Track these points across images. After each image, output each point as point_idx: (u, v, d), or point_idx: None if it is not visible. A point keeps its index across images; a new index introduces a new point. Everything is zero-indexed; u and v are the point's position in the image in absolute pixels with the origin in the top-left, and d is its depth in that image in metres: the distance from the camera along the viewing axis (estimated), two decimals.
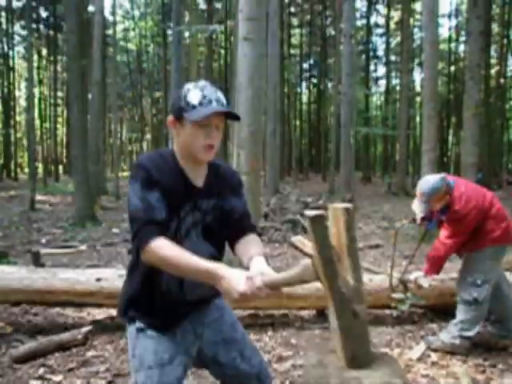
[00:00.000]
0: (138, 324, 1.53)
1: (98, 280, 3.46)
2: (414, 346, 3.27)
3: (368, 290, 3.65)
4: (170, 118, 1.49)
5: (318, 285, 3.65)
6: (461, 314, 3.08)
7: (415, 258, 3.61)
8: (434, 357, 3.09)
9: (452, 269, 4.34)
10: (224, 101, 1.47)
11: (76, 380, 2.79)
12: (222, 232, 1.61)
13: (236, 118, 1.53)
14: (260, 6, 4.82)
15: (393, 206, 12.86)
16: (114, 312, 3.85)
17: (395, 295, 3.54)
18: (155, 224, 1.37)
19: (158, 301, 1.52)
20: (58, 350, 3.14)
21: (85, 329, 3.31)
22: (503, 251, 3.14)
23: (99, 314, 3.87)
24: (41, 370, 2.90)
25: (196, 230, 1.52)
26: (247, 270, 1.40)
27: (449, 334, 3.12)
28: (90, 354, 3.14)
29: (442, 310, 3.74)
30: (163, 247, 1.35)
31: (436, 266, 3.19)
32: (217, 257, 1.57)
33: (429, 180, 3.03)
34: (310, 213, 1.19)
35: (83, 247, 6.51)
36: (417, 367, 2.95)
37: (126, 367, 2.95)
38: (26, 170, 34.19)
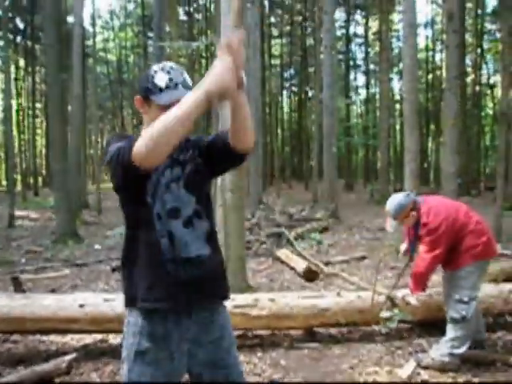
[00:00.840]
0: (137, 346, 1.48)
1: (82, 306, 3.36)
2: (404, 363, 3.27)
3: (356, 307, 3.66)
4: (138, 97, 1.53)
5: (305, 303, 3.64)
6: (451, 331, 3.09)
7: (404, 271, 3.62)
8: (424, 375, 3.09)
9: (438, 283, 4.39)
10: (190, 83, 1.52)
11: None
12: (205, 184, 1.62)
13: None
14: (241, 22, 4.83)
15: (376, 215, 12.96)
16: (98, 337, 3.76)
17: (383, 314, 3.54)
18: (129, 148, 1.34)
19: (158, 264, 1.48)
20: (40, 381, 3.02)
21: (68, 357, 3.20)
22: (486, 265, 3.18)
23: (83, 339, 3.76)
24: None
25: (177, 183, 1.53)
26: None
27: (439, 351, 3.12)
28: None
29: (429, 325, 3.75)
30: (143, 136, 1.30)
31: (420, 282, 3.20)
32: (200, 210, 1.56)
33: (395, 198, 3.20)
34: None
35: (66, 271, 6.34)
36: None
37: None
38: (4, 182, 33.41)
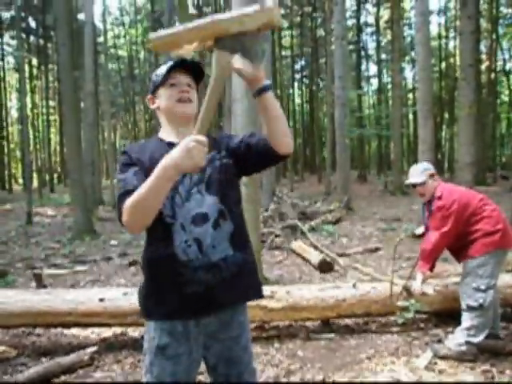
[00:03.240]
0: (158, 340, 1.51)
1: (102, 300, 3.44)
2: (421, 353, 3.28)
3: (372, 298, 3.68)
4: (149, 96, 1.64)
5: (321, 295, 3.65)
6: (467, 320, 3.09)
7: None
8: (441, 364, 3.09)
9: (454, 273, 4.37)
10: (189, 61, 1.58)
11: None
12: (230, 183, 1.59)
13: (200, 71, 1.62)
14: None
15: (390, 205, 12.91)
16: (119, 330, 3.84)
17: (399, 303, 3.55)
18: (126, 194, 1.40)
19: (181, 276, 1.47)
20: (64, 372, 3.11)
21: (90, 349, 3.29)
22: (504, 255, 3.18)
23: (104, 332, 3.85)
24: None
25: (198, 187, 1.52)
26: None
27: (455, 340, 3.13)
28: (97, 375, 3.12)
29: (446, 315, 3.75)
30: (128, 201, 1.37)
31: (427, 259, 3.23)
32: (224, 211, 1.54)
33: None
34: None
35: (85, 267, 6.47)
36: (424, 376, 2.95)
37: None
38: (21, 180, 33.97)
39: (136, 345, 3.54)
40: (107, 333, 3.84)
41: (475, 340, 3.05)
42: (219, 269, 1.50)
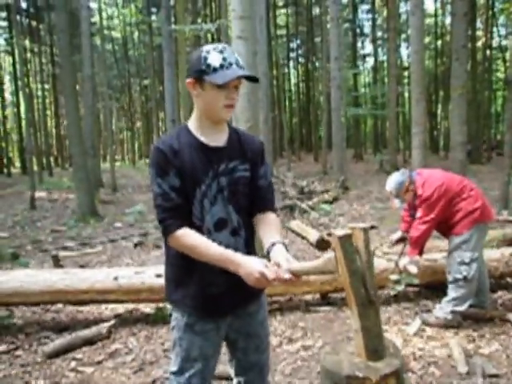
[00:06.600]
0: (187, 319, 1.61)
1: (116, 279, 3.71)
2: (411, 322, 3.59)
3: None
4: (190, 79, 1.53)
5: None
6: (452, 291, 3.39)
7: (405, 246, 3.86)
8: (428, 331, 3.40)
9: (443, 248, 4.66)
10: (242, 63, 1.54)
11: (106, 370, 3.07)
12: (245, 193, 1.65)
13: (255, 79, 1.60)
14: (252, 5, 4.96)
15: (385, 184, 13.14)
16: (131, 306, 4.13)
17: (392, 277, 3.84)
18: (175, 212, 1.49)
19: (204, 279, 1.57)
20: (85, 344, 3.41)
21: (108, 323, 3.58)
22: (485, 228, 3.46)
23: (117, 309, 4.13)
24: (73, 364, 3.16)
25: (223, 194, 1.57)
26: (266, 252, 1.56)
27: (442, 310, 3.43)
28: (115, 346, 3.41)
29: (435, 287, 4.04)
30: (186, 237, 1.48)
31: (416, 246, 3.49)
32: (240, 221, 1.63)
33: (392, 178, 3.56)
34: (338, 232, 1.36)
35: (99, 248, 6.73)
36: (414, 341, 3.26)
37: (150, 357, 3.23)
38: (17, 164, 33.94)
39: (148, 319, 3.83)
40: (120, 310, 4.12)
41: (460, 309, 3.36)
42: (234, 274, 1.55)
